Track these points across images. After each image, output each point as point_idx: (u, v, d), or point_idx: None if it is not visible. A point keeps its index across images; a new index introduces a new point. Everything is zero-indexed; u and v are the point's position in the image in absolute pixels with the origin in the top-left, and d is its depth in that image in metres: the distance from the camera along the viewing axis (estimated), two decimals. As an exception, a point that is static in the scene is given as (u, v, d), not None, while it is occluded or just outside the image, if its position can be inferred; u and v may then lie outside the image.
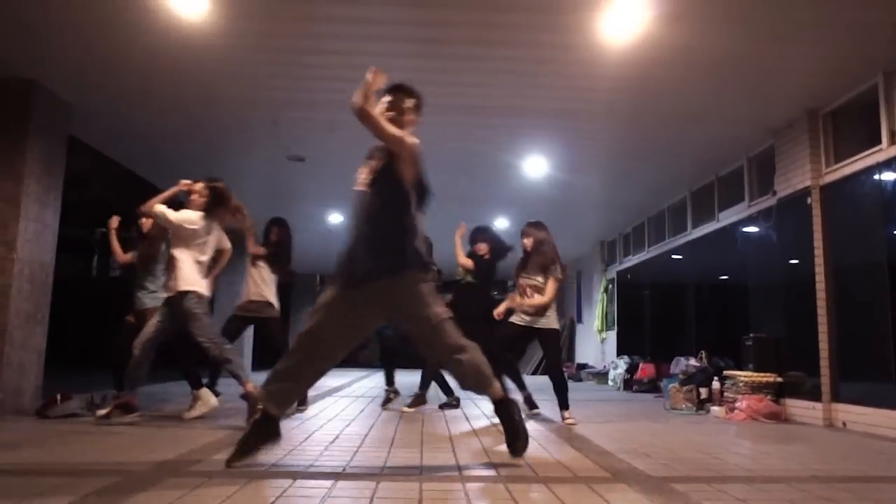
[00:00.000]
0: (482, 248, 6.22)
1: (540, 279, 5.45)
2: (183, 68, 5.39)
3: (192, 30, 4.71)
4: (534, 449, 3.97)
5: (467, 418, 5.57)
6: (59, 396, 5.20)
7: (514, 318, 5.53)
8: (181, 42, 4.88)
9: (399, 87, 3.53)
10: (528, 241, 5.60)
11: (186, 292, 4.70)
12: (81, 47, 5.05)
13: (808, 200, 5.95)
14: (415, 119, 3.60)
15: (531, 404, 5.80)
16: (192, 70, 5.43)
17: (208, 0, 4.35)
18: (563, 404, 5.36)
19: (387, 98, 3.50)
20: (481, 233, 6.31)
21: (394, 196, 3.34)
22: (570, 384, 5.82)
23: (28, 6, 4.47)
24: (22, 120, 5.52)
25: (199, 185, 5.04)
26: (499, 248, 6.25)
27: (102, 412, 4.75)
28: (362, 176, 3.42)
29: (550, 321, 5.46)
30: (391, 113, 3.45)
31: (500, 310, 5.76)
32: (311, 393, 6.97)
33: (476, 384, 3.41)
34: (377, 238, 3.28)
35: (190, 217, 4.84)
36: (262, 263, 5.83)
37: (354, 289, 3.28)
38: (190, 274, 4.77)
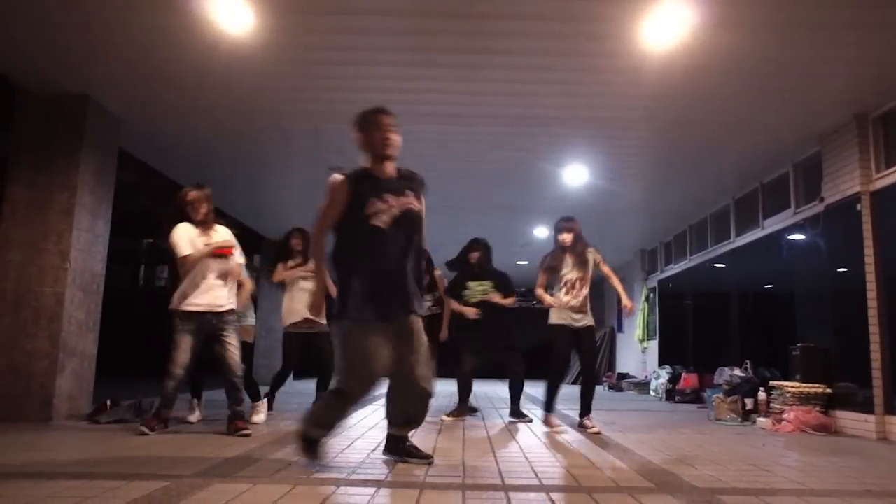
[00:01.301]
0: (475, 256, 6.27)
1: (582, 272, 5.43)
2: (228, 82, 5.52)
3: (237, 45, 4.82)
4: (577, 459, 3.95)
5: (508, 429, 5.55)
6: (108, 402, 5.36)
7: (561, 321, 5.38)
8: (226, 57, 5.00)
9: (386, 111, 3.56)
10: (568, 237, 5.49)
11: None
12: (131, 64, 5.22)
13: (858, 207, 5.80)
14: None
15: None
16: (237, 84, 5.55)
17: (253, 16, 4.45)
18: (588, 409, 5.40)
19: (392, 120, 3.52)
20: (476, 243, 6.33)
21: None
22: (611, 394, 5.81)
23: (81, 27, 4.64)
24: (76, 134, 5.72)
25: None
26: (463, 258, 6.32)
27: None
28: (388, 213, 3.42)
29: (590, 318, 5.46)
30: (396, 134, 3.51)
31: (549, 300, 5.47)
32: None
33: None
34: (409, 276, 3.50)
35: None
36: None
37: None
38: None
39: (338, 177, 3.46)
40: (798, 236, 7.09)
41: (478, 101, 5.83)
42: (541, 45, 4.83)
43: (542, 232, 11.07)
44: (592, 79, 5.37)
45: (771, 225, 7.72)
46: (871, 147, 5.83)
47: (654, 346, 12.35)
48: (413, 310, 3.47)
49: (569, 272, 5.44)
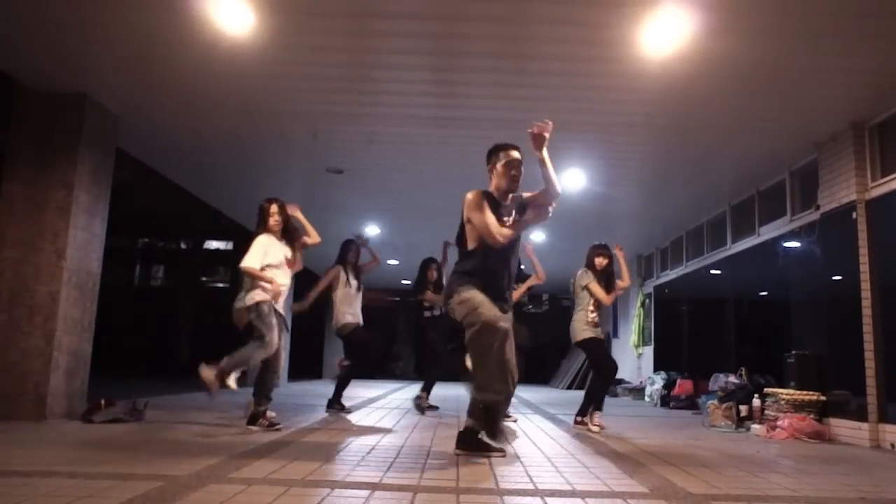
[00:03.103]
0: None
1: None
2: (227, 82, 5.52)
3: (236, 45, 4.82)
4: (571, 463, 3.95)
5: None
6: (103, 401, 5.34)
7: (596, 335, 6.14)
8: (226, 57, 5.00)
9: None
10: (607, 262, 6.20)
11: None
12: (130, 63, 5.22)
13: (854, 215, 5.82)
14: None
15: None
16: (236, 84, 5.55)
17: (253, 16, 4.45)
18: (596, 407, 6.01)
19: (520, 156, 4.23)
20: None
21: None
22: (606, 399, 6.02)
23: (80, 25, 4.63)
24: (73, 132, 5.71)
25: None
26: None
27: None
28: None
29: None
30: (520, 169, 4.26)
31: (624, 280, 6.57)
32: (347, 403, 7.03)
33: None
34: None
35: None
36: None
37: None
38: None
39: (474, 192, 4.10)
40: (794, 244, 7.11)
41: (475, 104, 5.84)
42: (538, 50, 4.84)
43: (536, 236, 11.07)
44: (590, 84, 5.38)
45: (767, 232, 7.74)
46: (867, 155, 5.85)
47: (649, 351, 12.37)
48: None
49: None
